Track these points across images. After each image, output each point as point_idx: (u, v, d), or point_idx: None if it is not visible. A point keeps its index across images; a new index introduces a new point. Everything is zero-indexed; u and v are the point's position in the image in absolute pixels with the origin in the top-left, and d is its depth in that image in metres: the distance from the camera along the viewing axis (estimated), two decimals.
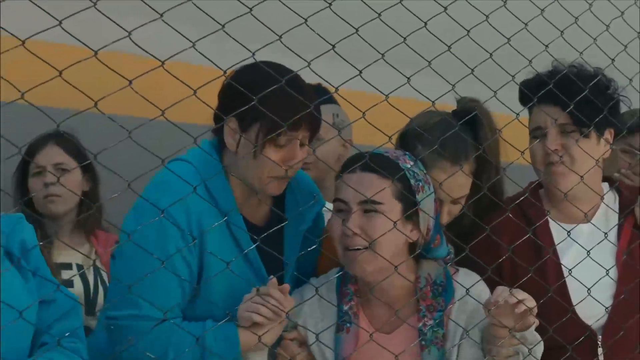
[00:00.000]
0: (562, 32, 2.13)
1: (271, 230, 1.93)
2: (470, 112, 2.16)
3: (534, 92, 2.16)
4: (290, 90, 1.84)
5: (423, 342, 1.98)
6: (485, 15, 2.05)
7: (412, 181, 1.98)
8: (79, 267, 2.88)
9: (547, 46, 2.13)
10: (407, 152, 2.05)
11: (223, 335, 1.91)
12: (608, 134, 2.24)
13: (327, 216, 2.27)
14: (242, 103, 1.80)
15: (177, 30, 1.61)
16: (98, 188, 2.93)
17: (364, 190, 1.92)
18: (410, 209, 1.97)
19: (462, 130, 2.12)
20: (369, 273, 1.96)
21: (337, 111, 2.81)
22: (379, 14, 1.87)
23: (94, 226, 2.94)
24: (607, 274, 2.17)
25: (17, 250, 1.88)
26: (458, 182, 2.11)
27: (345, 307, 2.02)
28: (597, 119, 2.14)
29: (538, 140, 2.21)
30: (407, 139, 2.15)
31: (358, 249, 1.93)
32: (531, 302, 1.89)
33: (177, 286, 1.94)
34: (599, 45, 2.17)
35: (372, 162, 1.94)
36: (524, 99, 2.24)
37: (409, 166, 2.00)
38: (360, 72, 1.80)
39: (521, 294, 1.89)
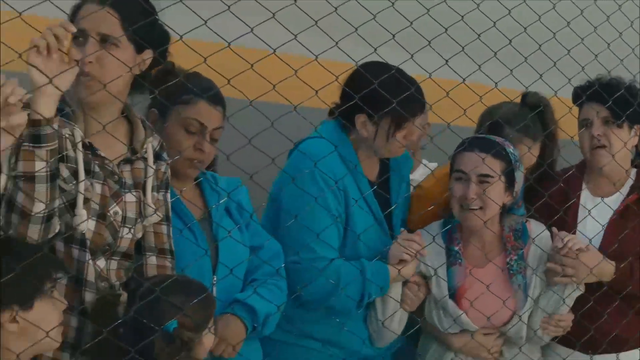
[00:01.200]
0: (609, 44, 2.80)
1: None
2: (539, 104, 2.87)
3: (584, 94, 2.88)
4: (408, 85, 2.55)
5: (511, 272, 2.71)
6: (553, 32, 2.71)
7: (513, 161, 2.67)
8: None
9: (596, 55, 2.80)
10: (506, 139, 2.73)
11: (378, 269, 2.60)
12: (637, 128, 2.93)
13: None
14: (370, 99, 2.49)
15: None
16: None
17: (480, 166, 2.61)
18: (511, 182, 2.67)
19: (534, 118, 2.84)
20: (478, 225, 2.67)
21: None
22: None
23: None
24: (602, 228, 2.87)
25: (235, 208, 2.52)
26: (534, 154, 2.84)
27: (456, 248, 2.73)
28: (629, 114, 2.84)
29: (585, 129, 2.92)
30: (497, 123, 2.85)
31: (474, 209, 2.63)
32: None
33: (336, 231, 2.60)
34: (636, 54, 2.83)
35: (486, 145, 2.65)
36: (576, 99, 2.94)
37: (511, 150, 2.68)
38: (430, 74, 2.44)
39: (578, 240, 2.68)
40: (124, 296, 2.09)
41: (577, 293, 2.77)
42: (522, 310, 2.70)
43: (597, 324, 2.78)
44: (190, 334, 2.03)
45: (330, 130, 2.69)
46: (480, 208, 2.64)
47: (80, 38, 2.02)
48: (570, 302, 2.76)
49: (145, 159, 2.22)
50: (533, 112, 2.84)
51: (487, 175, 2.63)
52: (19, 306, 1.85)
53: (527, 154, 2.81)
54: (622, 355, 2.82)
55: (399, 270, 2.61)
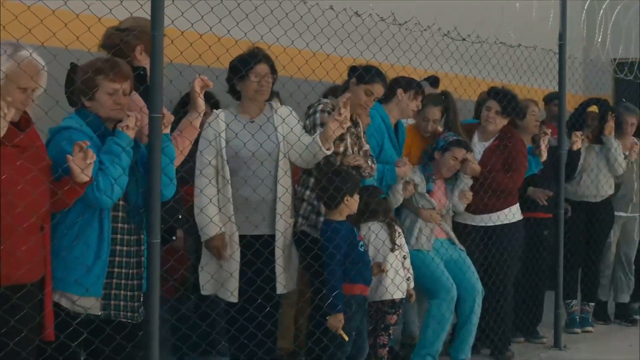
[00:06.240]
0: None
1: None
2: (444, 92, 6.33)
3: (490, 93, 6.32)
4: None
5: (446, 185, 6.18)
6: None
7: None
8: None
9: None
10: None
11: (392, 168, 5.75)
12: (507, 119, 6.33)
13: None
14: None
15: None
16: None
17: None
18: None
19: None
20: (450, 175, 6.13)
21: None
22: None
23: None
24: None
25: None
26: (438, 114, 6.20)
27: (433, 177, 6.07)
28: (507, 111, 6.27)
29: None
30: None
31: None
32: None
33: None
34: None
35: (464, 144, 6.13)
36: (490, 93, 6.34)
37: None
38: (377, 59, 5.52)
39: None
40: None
41: (469, 182, 6.09)
42: (450, 199, 6.09)
43: (487, 195, 6.18)
44: None
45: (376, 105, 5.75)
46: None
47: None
48: (467, 186, 6.10)
49: (358, 125, 5.23)
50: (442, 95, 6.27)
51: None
52: (349, 194, 4.84)
53: (435, 113, 6.15)
54: (499, 212, 6.26)
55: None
